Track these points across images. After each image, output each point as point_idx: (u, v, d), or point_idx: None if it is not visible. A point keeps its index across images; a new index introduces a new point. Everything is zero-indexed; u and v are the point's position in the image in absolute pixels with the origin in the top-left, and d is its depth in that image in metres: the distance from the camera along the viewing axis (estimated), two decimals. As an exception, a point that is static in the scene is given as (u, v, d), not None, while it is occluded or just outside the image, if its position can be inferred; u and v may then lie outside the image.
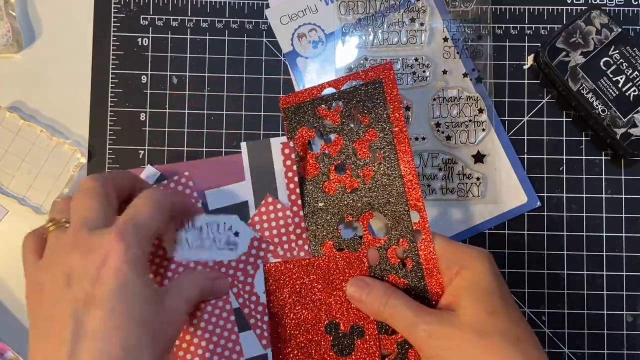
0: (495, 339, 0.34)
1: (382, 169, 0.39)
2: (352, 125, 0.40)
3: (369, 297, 0.38)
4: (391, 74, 0.39)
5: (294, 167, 0.41)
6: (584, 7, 0.49)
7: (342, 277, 0.39)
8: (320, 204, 0.40)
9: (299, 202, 0.40)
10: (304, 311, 0.39)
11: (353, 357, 0.39)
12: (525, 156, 0.48)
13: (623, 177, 0.48)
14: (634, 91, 0.46)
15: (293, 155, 0.40)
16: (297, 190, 0.40)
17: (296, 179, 0.40)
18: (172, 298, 0.34)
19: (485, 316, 0.34)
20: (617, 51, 0.46)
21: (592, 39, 0.47)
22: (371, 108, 0.39)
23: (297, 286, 0.40)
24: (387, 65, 0.39)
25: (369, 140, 0.39)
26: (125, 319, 0.30)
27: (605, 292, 0.47)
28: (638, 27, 0.49)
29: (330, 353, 0.39)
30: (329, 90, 0.40)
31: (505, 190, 0.48)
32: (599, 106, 0.46)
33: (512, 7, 0.49)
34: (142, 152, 0.48)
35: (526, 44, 0.49)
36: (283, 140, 0.40)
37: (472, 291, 0.35)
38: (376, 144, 0.39)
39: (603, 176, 0.48)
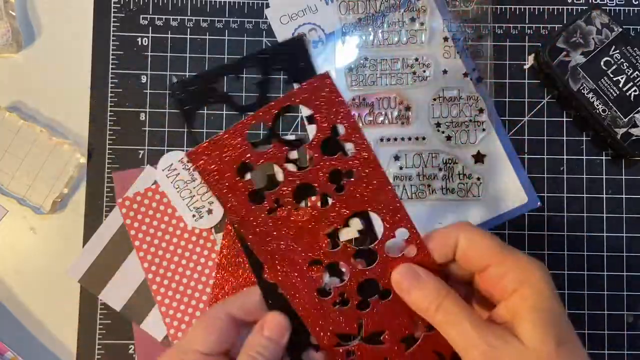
0: None
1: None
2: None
3: (418, 292, 0.34)
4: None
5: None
6: (584, 7, 0.49)
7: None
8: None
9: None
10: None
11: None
12: (526, 156, 0.48)
13: (623, 177, 0.48)
14: (635, 91, 0.46)
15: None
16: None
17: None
18: None
19: (553, 347, 0.30)
20: (618, 51, 0.46)
21: (593, 38, 0.46)
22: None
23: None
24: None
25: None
26: None
27: (605, 292, 0.47)
28: (638, 27, 0.49)
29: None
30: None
31: (505, 190, 0.48)
32: (600, 106, 0.46)
33: (513, 7, 0.49)
34: (142, 152, 0.48)
35: (526, 44, 0.49)
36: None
37: (536, 314, 0.31)
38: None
39: (603, 176, 0.48)
